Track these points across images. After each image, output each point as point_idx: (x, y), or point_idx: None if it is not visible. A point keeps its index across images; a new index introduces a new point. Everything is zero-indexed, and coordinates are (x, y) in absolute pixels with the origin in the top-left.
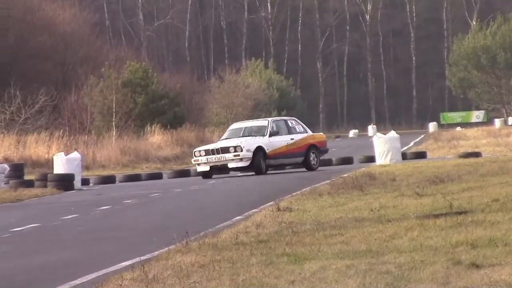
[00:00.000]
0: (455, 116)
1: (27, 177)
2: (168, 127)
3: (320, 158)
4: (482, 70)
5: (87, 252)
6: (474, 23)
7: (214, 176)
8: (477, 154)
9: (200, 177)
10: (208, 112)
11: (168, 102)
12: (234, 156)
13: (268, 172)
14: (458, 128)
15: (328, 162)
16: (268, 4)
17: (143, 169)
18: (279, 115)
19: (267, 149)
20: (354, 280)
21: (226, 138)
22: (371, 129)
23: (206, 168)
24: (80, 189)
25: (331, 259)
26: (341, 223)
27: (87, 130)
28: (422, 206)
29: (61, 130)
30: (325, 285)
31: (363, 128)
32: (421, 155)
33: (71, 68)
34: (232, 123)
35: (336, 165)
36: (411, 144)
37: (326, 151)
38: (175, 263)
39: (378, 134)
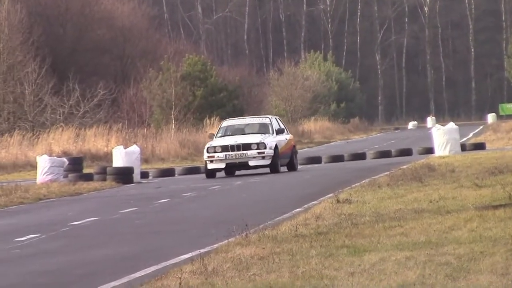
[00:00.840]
0: None
1: (86, 170)
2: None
3: (379, 150)
4: None
5: (146, 246)
6: None
7: (218, 176)
8: None
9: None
10: (267, 104)
11: (227, 94)
12: (258, 153)
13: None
14: None
15: (387, 154)
16: None
17: (202, 162)
18: (338, 107)
19: (279, 148)
20: (413, 271)
21: (224, 136)
22: (430, 120)
23: (221, 165)
24: (139, 182)
25: (391, 251)
26: (400, 215)
27: (146, 123)
28: (481, 197)
29: (120, 124)
30: (384, 277)
31: (421, 119)
32: (480, 146)
33: (129, 61)
34: (291, 115)
35: (395, 156)
36: (470, 135)
37: (297, 152)
38: (235, 255)
39: (437, 125)
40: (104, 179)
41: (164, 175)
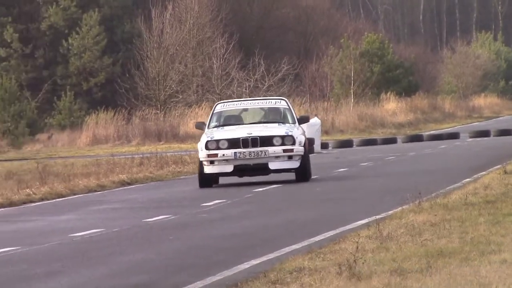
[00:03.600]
0: None
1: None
2: (403, 94)
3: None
4: None
5: (325, 212)
6: None
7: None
8: None
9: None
10: (440, 81)
11: (403, 71)
12: (284, 151)
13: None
14: None
15: None
16: None
17: (379, 134)
18: (506, 84)
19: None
20: None
21: (222, 126)
22: None
23: (227, 168)
24: (319, 152)
25: None
26: None
27: (327, 97)
28: None
29: (303, 97)
30: None
31: None
32: None
33: (312, 38)
34: (463, 92)
35: None
36: None
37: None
38: (408, 221)
39: None
40: None
41: (342, 146)
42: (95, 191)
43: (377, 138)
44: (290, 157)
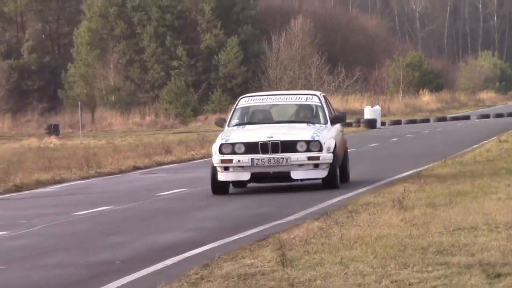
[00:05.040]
0: None
1: (348, 120)
2: (433, 91)
3: None
4: None
5: (382, 166)
6: None
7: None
8: None
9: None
10: (457, 82)
11: (433, 76)
12: (309, 158)
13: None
14: None
15: None
16: None
17: (418, 116)
18: (500, 85)
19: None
20: None
21: (244, 124)
22: None
23: (245, 176)
24: (379, 128)
25: None
26: None
27: (385, 92)
28: None
29: (369, 93)
30: None
31: None
32: None
33: (375, 55)
34: (470, 90)
35: None
36: None
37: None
38: (437, 173)
39: None
40: (358, 126)
41: (395, 124)
42: None
43: (417, 119)
44: (316, 165)
